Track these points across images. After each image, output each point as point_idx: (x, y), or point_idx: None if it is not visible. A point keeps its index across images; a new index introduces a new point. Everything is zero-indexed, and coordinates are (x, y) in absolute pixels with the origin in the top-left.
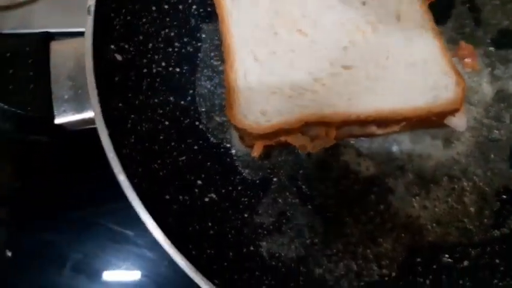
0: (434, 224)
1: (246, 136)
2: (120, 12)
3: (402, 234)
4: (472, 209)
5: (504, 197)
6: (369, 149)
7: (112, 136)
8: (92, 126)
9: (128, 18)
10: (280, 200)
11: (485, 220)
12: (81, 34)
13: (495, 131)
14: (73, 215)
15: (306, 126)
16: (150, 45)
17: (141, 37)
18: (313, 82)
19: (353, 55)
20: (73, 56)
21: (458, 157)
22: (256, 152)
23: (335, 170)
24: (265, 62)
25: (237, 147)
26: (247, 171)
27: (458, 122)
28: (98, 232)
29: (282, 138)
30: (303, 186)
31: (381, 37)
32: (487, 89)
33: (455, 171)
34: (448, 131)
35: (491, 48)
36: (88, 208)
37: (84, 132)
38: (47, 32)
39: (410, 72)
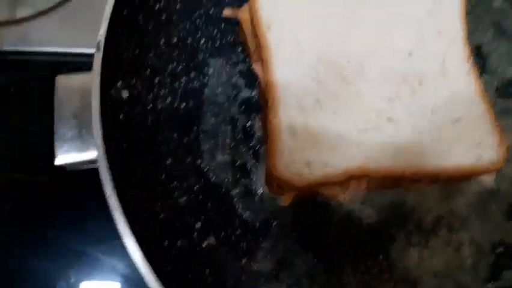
0: (430, 277)
1: (280, 186)
2: (129, 46)
3: (398, 286)
4: (468, 262)
5: (500, 250)
6: (373, 197)
7: (114, 179)
8: (94, 166)
9: (137, 52)
10: (280, 246)
11: (481, 273)
12: (83, 55)
13: (494, 183)
14: (62, 244)
15: (348, 179)
16: (157, 79)
17: (148, 71)
18: (358, 133)
19: (398, 107)
20: (79, 93)
21: (458, 208)
22: (286, 201)
23: (337, 216)
24: (309, 110)
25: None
26: (247, 213)
27: (488, 179)
28: (86, 261)
29: (315, 188)
30: (304, 232)
31: (427, 90)
32: None
33: (454, 223)
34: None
35: (494, 98)
36: (78, 237)
37: (86, 172)
38: (49, 53)
39: (455, 128)
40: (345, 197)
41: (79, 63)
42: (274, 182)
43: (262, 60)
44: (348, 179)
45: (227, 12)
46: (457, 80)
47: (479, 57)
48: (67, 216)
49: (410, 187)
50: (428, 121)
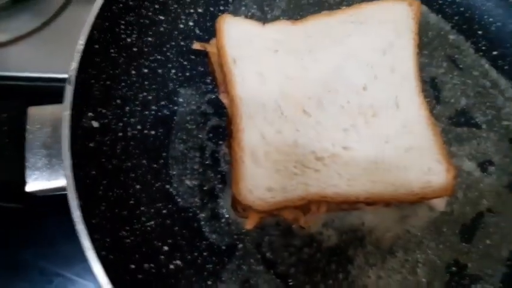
0: None
1: (245, 209)
2: (100, 78)
3: None
4: (424, 280)
5: (454, 269)
6: (333, 219)
7: (82, 206)
8: (64, 192)
9: (108, 83)
10: (244, 267)
11: None
12: (59, 80)
13: (447, 206)
14: (35, 267)
15: (306, 204)
16: (127, 108)
17: (119, 101)
18: (316, 161)
19: (353, 137)
20: (50, 123)
21: (414, 230)
22: (250, 224)
23: (299, 238)
24: (271, 139)
25: (205, 213)
26: (214, 236)
27: (439, 202)
28: (59, 284)
29: (277, 212)
30: (268, 253)
31: (380, 122)
32: None
33: (410, 244)
34: (405, 205)
35: (449, 126)
36: (51, 260)
37: (58, 197)
38: (23, 78)
39: (406, 157)
40: (305, 221)
41: (54, 88)
42: (239, 206)
43: (228, 92)
44: (307, 204)
45: (196, 45)
46: (409, 111)
47: (434, 88)
48: (40, 240)
49: (367, 209)
50: (381, 150)
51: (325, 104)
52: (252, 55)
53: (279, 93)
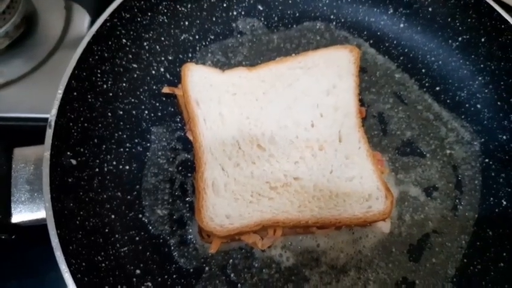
0: None
1: (209, 235)
2: (78, 121)
3: None
4: None
5: (403, 286)
6: (291, 242)
7: (60, 235)
8: (45, 223)
9: (85, 125)
10: (210, 287)
11: None
12: (45, 120)
13: (395, 228)
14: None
15: (261, 228)
16: (103, 146)
17: (96, 140)
18: (270, 190)
19: (302, 169)
20: (33, 162)
21: (365, 251)
22: (213, 248)
23: (259, 260)
24: (230, 172)
25: (174, 239)
26: (182, 260)
27: (384, 225)
28: None
29: (237, 237)
30: (232, 275)
31: (326, 154)
32: (393, 191)
33: (362, 263)
34: (356, 228)
35: (395, 156)
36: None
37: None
38: (12, 118)
39: (349, 185)
40: (263, 244)
41: (42, 128)
42: (203, 233)
43: (192, 131)
44: (262, 229)
45: (166, 89)
46: (350, 145)
47: (381, 122)
48: (25, 269)
49: (321, 232)
50: (327, 179)
51: (277, 140)
52: (212, 98)
53: (237, 131)
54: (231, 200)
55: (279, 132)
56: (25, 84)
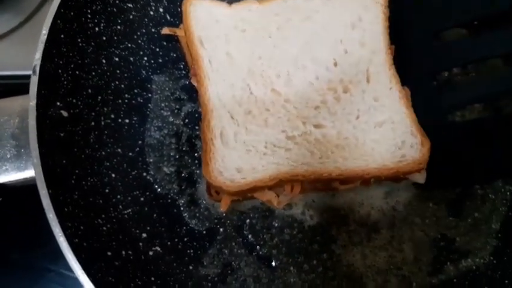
0: (374, 272)
1: (218, 192)
2: (68, 68)
3: (343, 283)
4: (411, 257)
5: (441, 244)
6: (314, 198)
7: (52, 195)
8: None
9: (77, 72)
10: (226, 251)
11: (423, 267)
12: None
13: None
14: (25, 263)
15: (277, 184)
16: (99, 98)
17: (90, 90)
18: (287, 140)
19: (324, 114)
20: (18, 114)
21: (398, 206)
22: (224, 206)
23: (280, 219)
24: (240, 120)
25: (184, 199)
26: (194, 221)
27: (419, 176)
28: (50, 278)
29: (249, 194)
30: (249, 236)
31: (351, 97)
32: None
33: (395, 220)
34: (387, 182)
35: None
36: (40, 255)
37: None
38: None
39: (379, 132)
40: (279, 202)
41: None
42: (212, 189)
43: (197, 75)
44: (278, 184)
45: (165, 30)
46: (380, 85)
47: None
48: (26, 236)
49: (343, 188)
50: (353, 126)
51: (295, 82)
52: (219, 35)
53: (247, 73)
54: (242, 152)
55: (296, 73)
56: (12, 39)
